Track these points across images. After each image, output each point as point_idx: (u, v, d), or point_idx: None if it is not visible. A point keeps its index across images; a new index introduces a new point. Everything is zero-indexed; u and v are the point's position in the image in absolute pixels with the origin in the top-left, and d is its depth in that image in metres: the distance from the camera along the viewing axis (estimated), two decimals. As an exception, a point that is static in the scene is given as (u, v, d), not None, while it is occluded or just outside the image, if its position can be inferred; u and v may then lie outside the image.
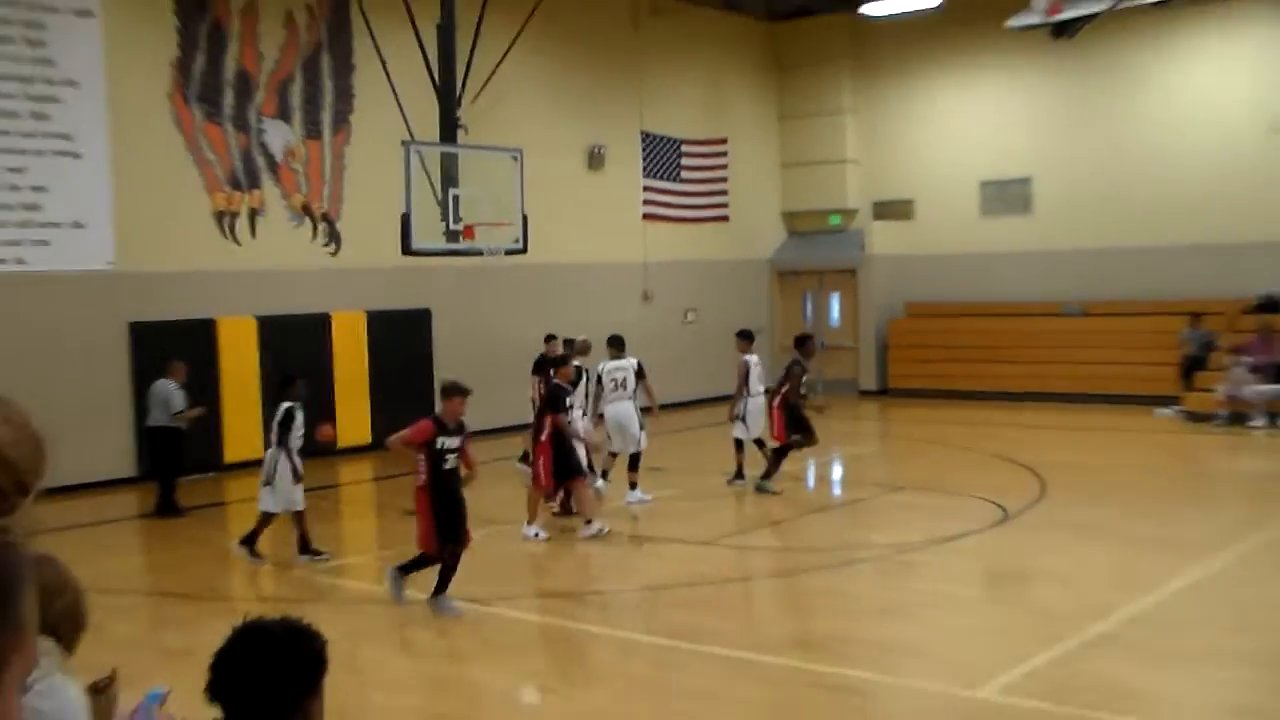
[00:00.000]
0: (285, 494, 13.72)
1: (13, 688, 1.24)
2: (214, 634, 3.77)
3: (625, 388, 17.30)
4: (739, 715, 8.84)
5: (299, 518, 13.93)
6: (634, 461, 17.13)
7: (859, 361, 30.31)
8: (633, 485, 17.03)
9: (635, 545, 15.00)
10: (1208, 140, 26.00)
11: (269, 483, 13.72)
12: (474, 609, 12.15)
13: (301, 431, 13.94)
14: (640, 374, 17.47)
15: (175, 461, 17.16)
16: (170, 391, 16.81)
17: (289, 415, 13.79)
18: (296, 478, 13.76)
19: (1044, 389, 26.65)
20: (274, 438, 13.94)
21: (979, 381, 27.52)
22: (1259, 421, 22.77)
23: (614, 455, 17.58)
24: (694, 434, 24.01)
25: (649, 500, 16.88)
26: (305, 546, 13.88)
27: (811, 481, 20.53)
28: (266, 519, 13.92)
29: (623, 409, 17.21)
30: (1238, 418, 22.98)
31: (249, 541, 13.91)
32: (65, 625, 3.43)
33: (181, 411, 16.88)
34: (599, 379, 17.44)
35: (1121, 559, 13.41)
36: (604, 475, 17.47)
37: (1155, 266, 26.47)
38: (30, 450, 1.26)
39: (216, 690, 3.56)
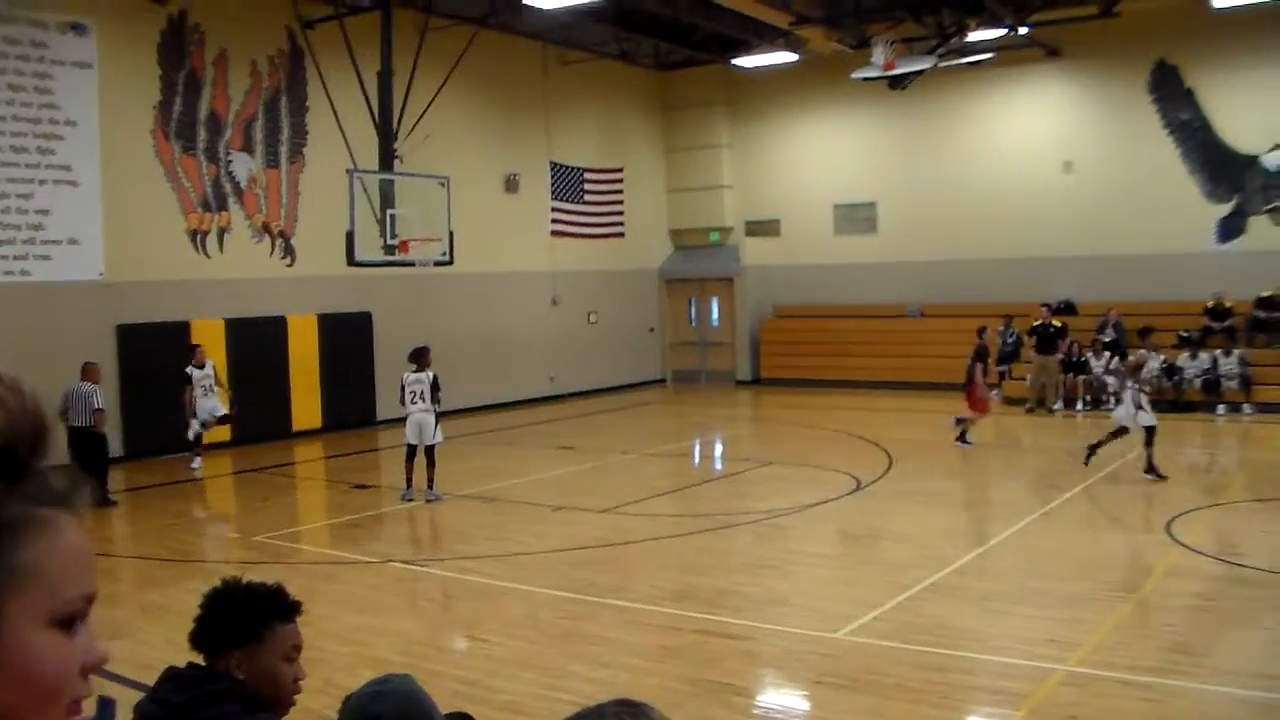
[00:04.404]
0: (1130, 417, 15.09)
1: (15, 631, 1.17)
2: (188, 593, 3.65)
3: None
4: (637, 657, 8.78)
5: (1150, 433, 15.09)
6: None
7: (735, 355, 30.39)
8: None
9: (549, 512, 14.90)
10: (1017, 174, 26.47)
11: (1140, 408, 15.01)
12: (408, 569, 12.03)
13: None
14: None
15: (101, 458, 15.40)
16: (89, 393, 15.29)
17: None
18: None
19: (889, 378, 26.92)
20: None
21: (836, 372, 27.74)
22: (1058, 405, 23.22)
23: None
24: (597, 417, 23.98)
25: None
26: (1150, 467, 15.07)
27: (696, 458, 20.57)
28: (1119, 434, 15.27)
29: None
30: (1041, 402, 23.37)
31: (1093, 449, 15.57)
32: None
33: (100, 410, 15.27)
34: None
35: (953, 519, 13.57)
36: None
37: (978, 276, 26.88)
38: (23, 425, 1.18)
39: (198, 639, 3.48)
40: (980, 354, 18.88)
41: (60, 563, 1.22)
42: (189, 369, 18.02)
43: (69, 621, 1.23)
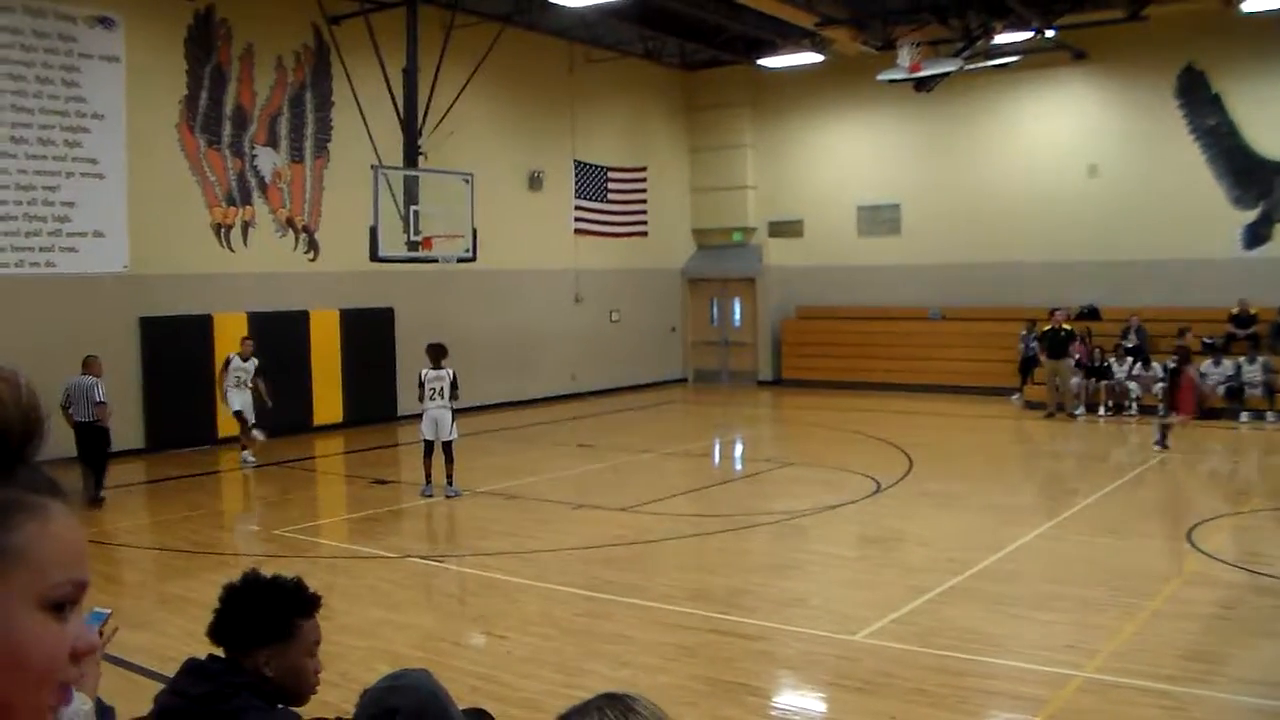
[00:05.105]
0: None
1: (4, 613, 1.18)
2: (208, 584, 3.64)
3: None
4: (654, 656, 8.79)
5: None
6: None
7: (757, 356, 30.37)
8: None
9: (569, 510, 14.90)
10: (1041, 177, 26.35)
11: None
12: (426, 565, 12.05)
13: None
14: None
15: (102, 453, 15.24)
16: (90, 386, 14.99)
17: None
18: None
19: (910, 381, 26.87)
20: None
21: (857, 374, 27.70)
22: (1079, 411, 23.08)
23: None
24: (618, 415, 23.99)
25: None
26: None
27: (717, 458, 20.55)
28: None
29: None
30: (1061, 407, 23.22)
31: None
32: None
33: (103, 404, 15.00)
34: None
35: (972, 523, 13.49)
36: None
37: (1000, 279, 26.79)
38: (14, 416, 1.19)
39: (217, 633, 3.48)
40: (1186, 356, 18.89)
41: (50, 548, 1.22)
42: (232, 355, 18.17)
43: (60, 606, 1.24)
